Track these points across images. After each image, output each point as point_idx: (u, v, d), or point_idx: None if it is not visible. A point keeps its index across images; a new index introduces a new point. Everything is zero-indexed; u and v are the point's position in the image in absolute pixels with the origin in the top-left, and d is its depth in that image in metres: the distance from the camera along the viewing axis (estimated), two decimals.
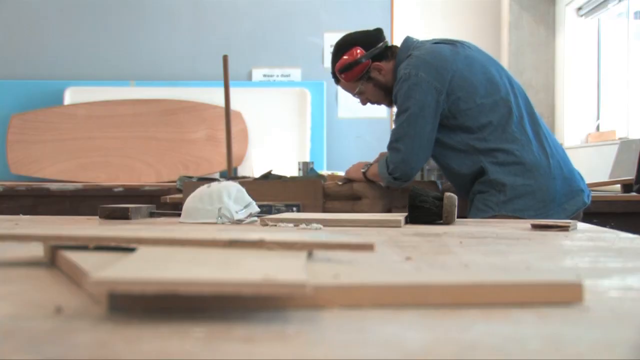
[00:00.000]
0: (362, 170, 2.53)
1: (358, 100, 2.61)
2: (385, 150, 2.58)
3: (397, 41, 2.66)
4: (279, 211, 2.47)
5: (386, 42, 2.51)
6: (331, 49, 2.60)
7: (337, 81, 2.57)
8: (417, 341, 0.52)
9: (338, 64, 2.49)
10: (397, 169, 2.34)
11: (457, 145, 2.35)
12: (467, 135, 2.32)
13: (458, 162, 2.37)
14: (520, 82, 5.27)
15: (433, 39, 2.49)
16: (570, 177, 2.38)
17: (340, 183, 2.61)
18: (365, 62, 2.46)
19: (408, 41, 2.48)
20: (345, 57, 2.46)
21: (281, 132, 5.02)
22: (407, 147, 2.31)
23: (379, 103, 2.57)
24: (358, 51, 2.45)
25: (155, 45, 5.23)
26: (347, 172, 2.63)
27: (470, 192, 2.39)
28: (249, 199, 1.75)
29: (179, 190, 2.91)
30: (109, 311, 0.59)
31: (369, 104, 2.58)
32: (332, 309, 0.62)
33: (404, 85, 2.32)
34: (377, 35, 2.51)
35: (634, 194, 3.28)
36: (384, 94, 2.50)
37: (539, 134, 2.37)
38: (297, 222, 1.55)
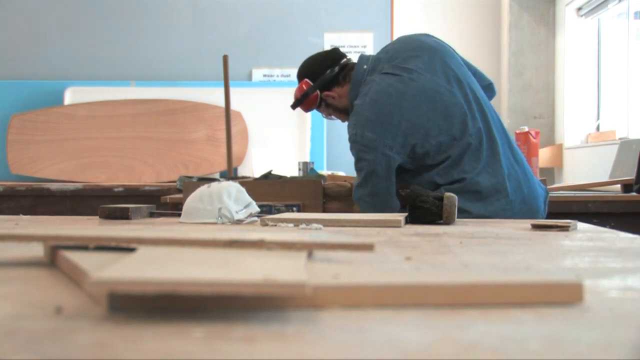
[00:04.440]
0: None
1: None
2: None
3: None
4: (279, 211, 2.47)
5: (340, 64, 2.42)
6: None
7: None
8: (417, 341, 0.52)
9: (294, 100, 2.50)
10: None
11: (423, 185, 2.29)
12: (428, 174, 2.26)
13: None
14: (520, 82, 5.31)
15: (382, 65, 2.34)
16: (529, 197, 2.30)
17: (354, 182, 2.63)
18: (313, 94, 2.44)
19: (359, 68, 2.37)
20: (296, 91, 2.47)
21: (281, 132, 5.02)
22: (370, 205, 2.28)
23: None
24: (305, 85, 2.44)
25: (155, 45, 5.23)
26: None
27: None
28: (249, 199, 1.75)
29: (179, 190, 2.91)
30: (109, 311, 0.59)
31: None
32: (332, 309, 0.62)
33: (353, 147, 2.27)
34: (324, 62, 2.45)
35: (634, 194, 3.28)
36: (347, 115, 2.45)
37: (496, 157, 2.26)
38: (297, 222, 1.55)
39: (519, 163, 2.33)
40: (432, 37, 2.47)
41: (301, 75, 2.48)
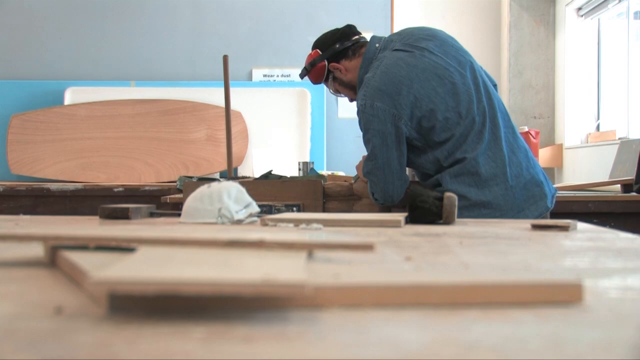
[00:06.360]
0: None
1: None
2: None
3: None
4: (279, 211, 2.47)
5: (352, 39, 2.47)
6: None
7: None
8: (417, 341, 0.52)
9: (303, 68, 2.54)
10: (380, 198, 2.33)
11: (427, 165, 2.30)
12: (433, 153, 2.27)
13: (423, 182, 2.37)
14: (520, 82, 5.31)
15: (394, 44, 2.38)
16: (531, 183, 2.30)
17: (353, 181, 2.62)
18: (321, 63, 2.47)
19: (371, 46, 2.42)
20: (306, 60, 2.52)
21: (281, 132, 5.02)
22: (380, 179, 2.28)
23: (355, 99, 2.56)
24: (315, 54, 2.49)
25: (155, 45, 5.23)
26: (357, 169, 2.61)
27: None
28: (249, 199, 1.75)
29: (179, 191, 2.91)
30: (109, 311, 0.59)
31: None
32: (332, 309, 0.62)
33: (362, 117, 2.29)
34: (336, 35, 2.49)
35: (634, 194, 3.28)
36: (352, 91, 2.49)
37: (498, 141, 2.28)
38: (297, 222, 1.55)
39: (521, 150, 2.34)
40: (445, 33, 2.52)
41: (315, 46, 2.52)
